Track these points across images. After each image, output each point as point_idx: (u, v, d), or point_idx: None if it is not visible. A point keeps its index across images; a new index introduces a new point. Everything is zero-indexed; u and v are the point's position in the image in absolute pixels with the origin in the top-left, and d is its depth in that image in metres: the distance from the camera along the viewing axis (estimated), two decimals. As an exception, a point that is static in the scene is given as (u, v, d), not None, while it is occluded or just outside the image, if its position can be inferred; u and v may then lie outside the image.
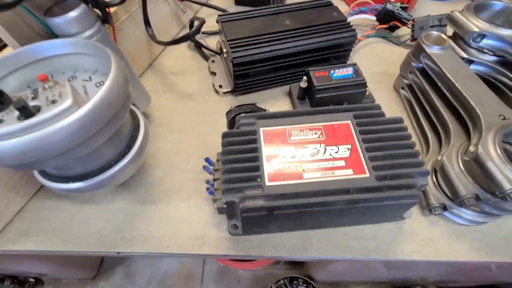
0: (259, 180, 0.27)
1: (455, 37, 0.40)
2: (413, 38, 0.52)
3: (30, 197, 0.36)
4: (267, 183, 0.27)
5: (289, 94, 0.47)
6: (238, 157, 0.29)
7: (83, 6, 0.28)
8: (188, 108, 0.47)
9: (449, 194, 0.31)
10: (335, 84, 0.39)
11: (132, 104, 0.36)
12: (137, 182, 0.38)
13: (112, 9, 0.38)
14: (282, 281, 0.82)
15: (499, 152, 0.28)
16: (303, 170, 0.27)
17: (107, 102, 0.23)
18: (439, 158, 0.33)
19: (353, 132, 0.30)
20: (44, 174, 0.28)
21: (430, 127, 0.38)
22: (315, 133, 0.30)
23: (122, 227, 0.34)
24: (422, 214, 0.34)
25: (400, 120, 0.31)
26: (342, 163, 0.28)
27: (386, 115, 0.44)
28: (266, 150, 0.29)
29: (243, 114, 0.32)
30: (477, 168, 0.29)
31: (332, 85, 0.39)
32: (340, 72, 0.40)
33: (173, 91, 0.49)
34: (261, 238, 0.33)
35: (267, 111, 0.46)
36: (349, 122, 0.31)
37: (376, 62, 0.52)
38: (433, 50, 0.37)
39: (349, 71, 0.40)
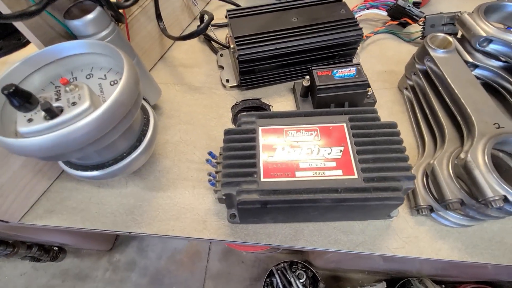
0: (255, 175, 0.30)
1: (462, 39, 0.39)
2: (424, 36, 0.51)
3: (54, 179, 0.41)
4: (262, 179, 0.29)
5: (293, 90, 0.48)
6: (237, 153, 0.31)
7: (98, 8, 0.31)
8: (196, 100, 0.49)
9: (437, 197, 0.33)
10: (337, 83, 0.40)
11: (143, 99, 0.39)
12: (148, 170, 0.41)
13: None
14: (282, 265, 0.86)
15: (486, 161, 0.29)
16: (296, 168, 0.30)
17: (120, 102, 0.25)
18: (431, 162, 0.34)
19: (346, 134, 0.32)
20: (66, 162, 0.32)
21: (428, 130, 0.39)
22: (311, 134, 0.32)
23: (133, 210, 0.38)
24: (411, 214, 0.36)
25: (393, 125, 0.32)
26: (333, 164, 0.30)
27: (387, 115, 0.45)
28: (263, 148, 0.31)
29: (244, 113, 0.34)
30: (465, 174, 0.30)
31: (334, 84, 0.40)
32: (343, 72, 0.41)
33: (182, 84, 0.51)
34: (257, 227, 0.36)
35: (270, 106, 0.48)
36: (344, 124, 0.32)
37: (383, 60, 0.52)
38: (437, 54, 0.38)
39: (351, 71, 0.41)
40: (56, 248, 1.08)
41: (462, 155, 0.31)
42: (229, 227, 0.36)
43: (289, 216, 0.33)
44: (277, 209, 0.30)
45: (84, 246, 1.07)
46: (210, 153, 0.35)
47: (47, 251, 1.04)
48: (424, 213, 0.34)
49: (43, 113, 0.23)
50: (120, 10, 0.36)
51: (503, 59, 0.36)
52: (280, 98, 0.49)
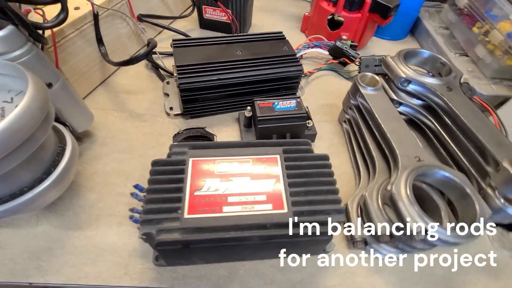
0: (179, 211, 0.27)
1: (389, 79, 0.43)
2: (360, 75, 0.56)
3: None
4: (186, 216, 0.27)
5: (238, 120, 0.48)
6: (162, 187, 0.29)
7: (10, 27, 0.28)
8: (136, 128, 0.46)
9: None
10: (277, 115, 0.41)
11: (65, 125, 0.35)
12: (66, 205, 0.36)
13: (56, 28, 0.38)
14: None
15: (408, 193, 0.30)
16: (224, 203, 0.28)
17: (18, 126, 0.22)
18: (364, 193, 0.35)
19: (279, 166, 0.31)
20: None
21: (363, 161, 0.40)
22: (243, 166, 0.31)
23: (40, 254, 0.32)
24: (347, 247, 0.35)
25: (325, 157, 0.32)
26: (263, 197, 0.29)
27: (328, 146, 0.46)
28: (192, 181, 0.29)
29: (175, 143, 0.32)
30: (392, 206, 0.31)
31: (274, 116, 0.41)
32: (283, 104, 0.42)
33: (123, 110, 0.49)
34: (187, 269, 0.32)
35: (215, 135, 0.47)
36: (278, 156, 0.32)
37: (326, 94, 0.55)
38: (366, 91, 0.40)
39: (292, 103, 0.42)
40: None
41: (388, 187, 0.32)
42: (155, 270, 0.32)
43: (219, 255, 0.30)
44: (203, 249, 0.27)
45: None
46: (136, 186, 0.32)
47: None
48: (359, 246, 0.33)
49: None
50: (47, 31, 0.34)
51: (421, 98, 0.40)
52: (225, 128, 0.48)
